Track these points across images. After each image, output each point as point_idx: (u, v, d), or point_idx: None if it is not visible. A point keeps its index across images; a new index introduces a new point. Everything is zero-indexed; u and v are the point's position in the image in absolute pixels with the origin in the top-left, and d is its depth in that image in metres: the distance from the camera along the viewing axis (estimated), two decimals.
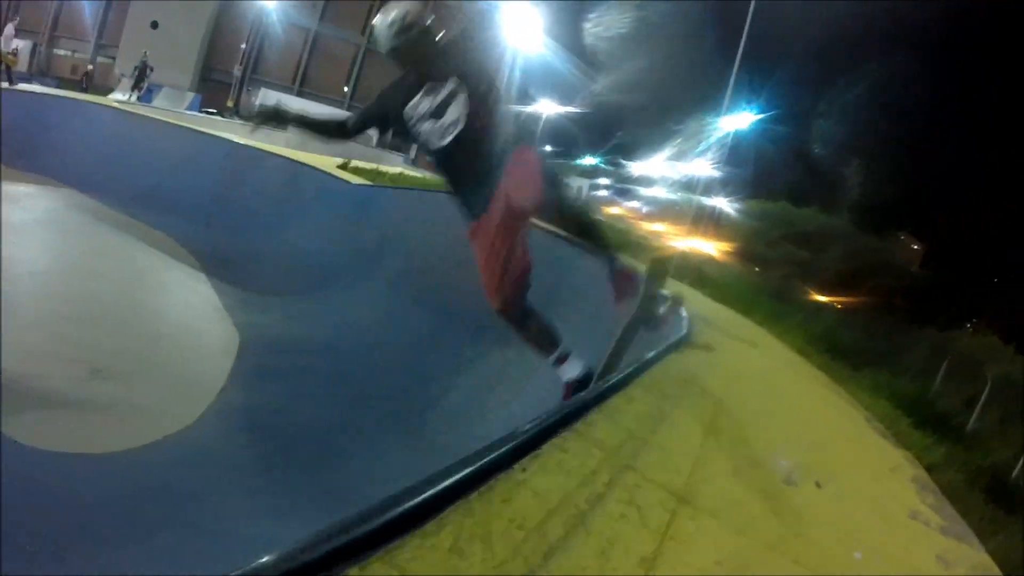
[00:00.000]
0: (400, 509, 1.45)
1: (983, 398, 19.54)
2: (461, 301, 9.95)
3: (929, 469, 4.63)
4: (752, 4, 17.65)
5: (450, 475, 1.67)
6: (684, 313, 6.75)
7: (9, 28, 22.63)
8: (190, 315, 9.61)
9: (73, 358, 7.24)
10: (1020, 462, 16.38)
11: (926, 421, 8.15)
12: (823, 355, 9.43)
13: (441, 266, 10.97)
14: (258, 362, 8.25)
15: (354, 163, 17.40)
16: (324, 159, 16.58)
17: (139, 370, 7.48)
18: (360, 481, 6.00)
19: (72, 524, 4.76)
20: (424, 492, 1.54)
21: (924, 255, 40.83)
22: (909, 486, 3.83)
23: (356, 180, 14.74)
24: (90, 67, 27.34)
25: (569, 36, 36.27)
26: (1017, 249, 37.32)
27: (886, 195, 34.75)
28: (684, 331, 6.15)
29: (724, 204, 32.65)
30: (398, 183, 15.92)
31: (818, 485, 2.96)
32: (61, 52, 41.41)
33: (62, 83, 30.05)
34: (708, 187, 30.73)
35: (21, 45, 37.19)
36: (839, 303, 29.09)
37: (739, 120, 30.41)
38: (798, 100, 30.80)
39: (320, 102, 39.08)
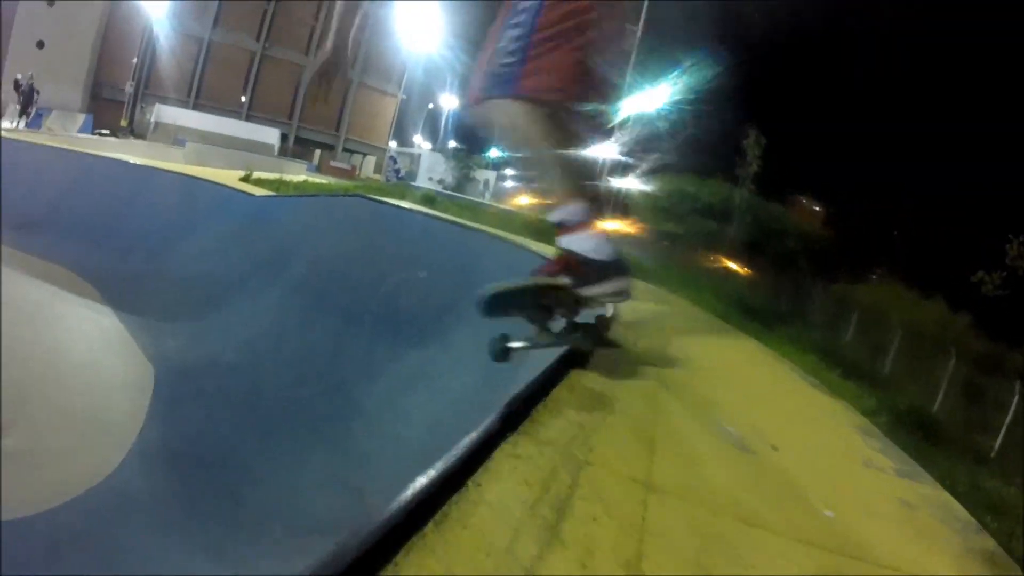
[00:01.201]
0: (350, 559, 1.32)
1: (895, 343, 20.61)
2: (372, 302, 10.18)
3: (866, 415, 4.71)
4: None
5: (398, 508, 1.53)
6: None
7: None
8: (97, 350, 9.24)
9: None
10: (937, 399, 17.45)
11: (851, 371, 8.62)
12: (740, 315, 9.80)
13: (351, 269, 11.09)
14: (176, 393, 7.97)
15: (256, 175, 17.26)
16: (226, 173, 16.48)
17: (47, 419, 7.08)
18: (295, 508, 5.92)
19: None
20: (374, 536, 1.40)
21: (824, 216, 42.40)
22: (855, 434, 3.84)
23: (259, 192, 14.59)
24: (38, 90, 26.18)
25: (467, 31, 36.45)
26: (912, 199, 39.10)
27: (784, 162, 35.95)
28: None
29: (631, 184, 33.24)
30: (303, 191, 15.84)
31: (774, 448, 2.91)
32: None
33: None
34: (615, 169, 31.25)
35: None
36: (748, 268, 30.09)
37: (640, 102, 31.12)
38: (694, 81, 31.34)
39: (217, 114, 38.44)
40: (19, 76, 26.53)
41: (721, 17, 33.88)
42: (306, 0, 44.24)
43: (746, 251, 31.14)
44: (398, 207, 12.61)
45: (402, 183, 22.60)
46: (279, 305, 10.88)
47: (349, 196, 13.74)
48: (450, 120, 41.34)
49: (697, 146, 33.09)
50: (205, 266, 12.33)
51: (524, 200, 32.99)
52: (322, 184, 18.35)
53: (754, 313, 10.95)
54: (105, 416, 7.38)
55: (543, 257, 8.88)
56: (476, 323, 7.59)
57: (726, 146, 34.19)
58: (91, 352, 9.19)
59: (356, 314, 10.07)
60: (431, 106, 41.81)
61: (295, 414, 7.76)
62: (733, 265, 30.20)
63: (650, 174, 33.06)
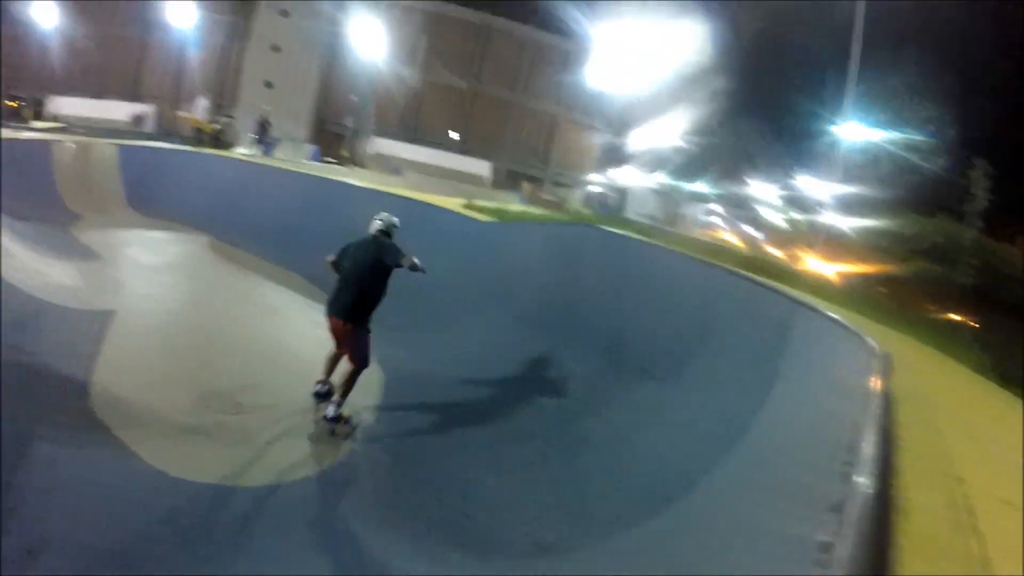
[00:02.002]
0: None
1: None
2: (602, 329, 9.78)
3: None
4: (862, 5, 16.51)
5: None
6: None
7: (201, 101, 25.01)
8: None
9: (216, 394, 7.57)
10: None
11: None
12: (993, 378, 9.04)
13: (580, 294, 10.76)
14: (402, 399, 8.33)
15: (478, 202, 17.36)
16: (447, 200, 16.67)
17: (282, 407, 7.62)
18: (507, 525, 6.03)
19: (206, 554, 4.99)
20: None
21: None
22: None
23: (484, 218, 14.66)
24: (216, 126, 28.57)
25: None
26: None
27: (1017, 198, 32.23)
28: None
29: (845, 221, 31.04)
30: (523, 219, 15.75)
31: None
32: (183, 113, 43.50)
33: (188, 141, 31.69)
34: (827, 205, 29.36)
35: (150, 111, 39.76)
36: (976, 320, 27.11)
37: (855, 132, 29.23)
38: (915, 107, 28.82)
39: (430, 147, 39.98)
40: (266, 111, 28.97)
41: (944, 42, 31.57)
42: (511, 45, 45.58)
43: (974, 299, 28.19)
44: (625, 237, 12.14)
45: (613, 216, 22.12)
46: (507, 325, 10.69)
47: (575, 225, 13.43)
48: (658, 155, 40.49)
49: (918, 180, 30.49)
50: (434, 282, 12.39)
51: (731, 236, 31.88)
52: (539, 214, 18.14)
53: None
54: None
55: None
56: (709, 358, 6.96)
57: (949, 180, 31.35)
58: (322, 353, 9.36)
59: (586, 339, 9.71)
60: (633, 140, 41.14)
61: (515, 433, 7.83)
62: (959, 316, 27.44)
63: (865, 209, 30.74)
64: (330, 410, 7.27)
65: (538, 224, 14.60)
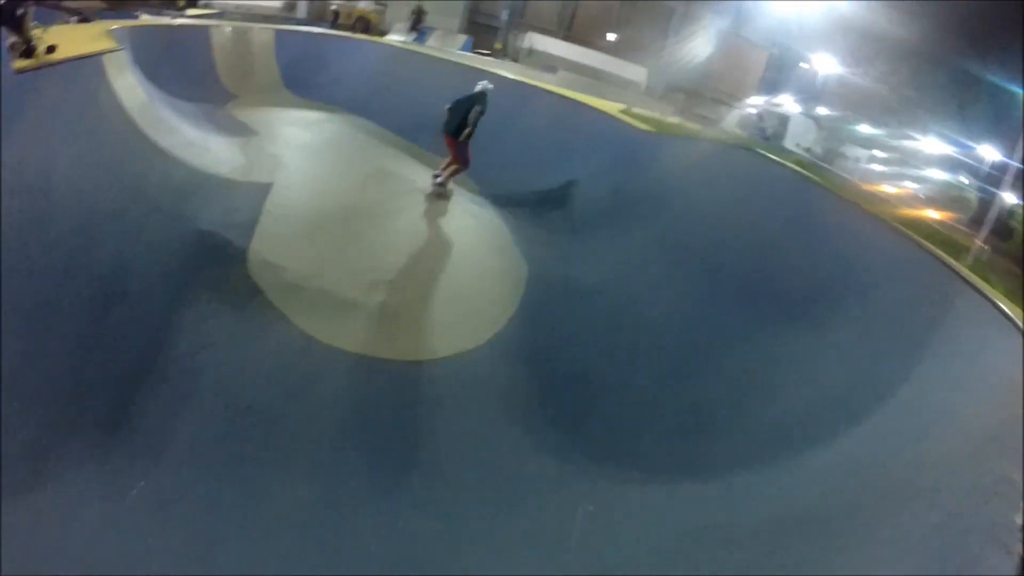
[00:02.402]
0: None
1: None
2: (747, 265, 9.16)
3: None
4: None
5: None
6: None
7: None
8: (479, 240, 10.03)
9: (368, 269, 8.05)
10: None
11: None
12: None
13: (729, 224, 10.13)
14: (542, 297, 8.44)
15: (635, 110, 16.58)
16: (603, 103, 16.01)
17: (433, 288, 8.17)
18: (622, 435, 6.16)
19: (356, 423, 5.57)
20: None
21: None
22: None
23: (641, 126, 14.02)
24: (373, 13, 28.49)
25: None
26: None
27: None
28: None
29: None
30: (678, 133, 14.90)
31: None
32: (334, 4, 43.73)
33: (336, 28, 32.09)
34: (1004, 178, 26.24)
35: None
36: None
37: None
38: None
39: (586, 47, 38.64)
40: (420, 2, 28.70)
41: None
42: None
43: None
44: (786, 167, 11.30)
45: (768, 144, 20.68)
46: (651, 243, 10.21)
47: (735, 148, 12.59)
48: (827, 86, 37.48)
49: None
50: (584, 189, 12.26)
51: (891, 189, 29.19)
52: (696, 129, 17.13)
53: None
54: (480, 297, 8.21)
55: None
56: (859, 315, 6.30)
57: None
58: (472, 239, 10.01)
59: (730, 271, 9.10)
60: (805, 65, 38.22)
61: (644, 351, 7.63)
62: None
63: None
64: (440, 176, 11.40)
65: (697, 141, 13.76)
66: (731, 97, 40.49)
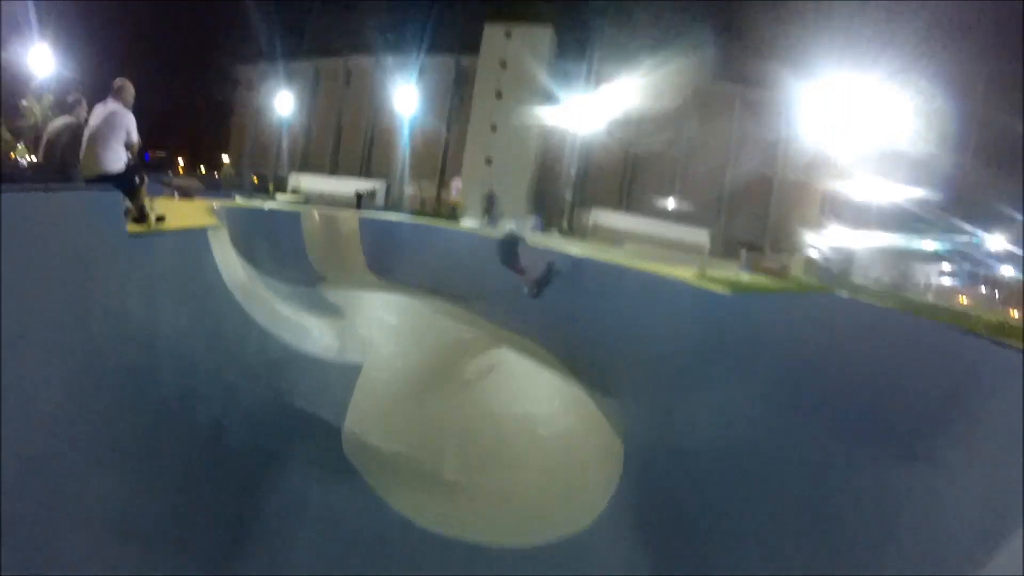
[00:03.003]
0: None
1: None
2: (852, 407, 8.84)
3: None
4: None
5: None
6: None
7: (456, 181, 27.22)
8: (571, 418, 9.66)
9: (461, 450, 7.85)
10: None
11: None
12: None
13: (826, 369, 9.90)
14: (643, 470, 8.06)
15: (709, 272, 16.76)
16: (676, 270, 16.22)
17: (528, 468, 7.76)
18: None
19: None
20: None
21: None
22: None
23: (717, 288, 14.00)
24: (456, 196, 30.05)
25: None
26: None
27: None
28: None
29: None
30: (753, 290, 14.91)
31: None
32: (410, 190, 46.46)
33: (413, 214, 33.97)
34: None
35: (379, 186, 43.07)
36: None
37: None
38: None
39: (647, 216, 39.95)
40: (491, 188, 30.35)
41: None
42: (722, 104, 45.01)
43: None
44: (872, 306, 11.14)
45: (841, 282, 20.53)
46: (749, 400, 9.94)
47: (811, 294, 12.53)
48: (883, 210, 37.37)
49: None
50: (670, 355, 11.92)
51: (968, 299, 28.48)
52: (770, 283, 17.18)
53: None
54: (577, 476, 7.77)
55: None
56: (975, 446, 5.95)
57: None
58: (562, 418, 9.61)
59: (835, 418, 8.79)
60: (858, 192, 38.41)
61: (763, 517, 6.96)
62: None
63: None
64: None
65: (774, 295, 13.74)
66: (792, 243, 40.69)
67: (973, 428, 7.23)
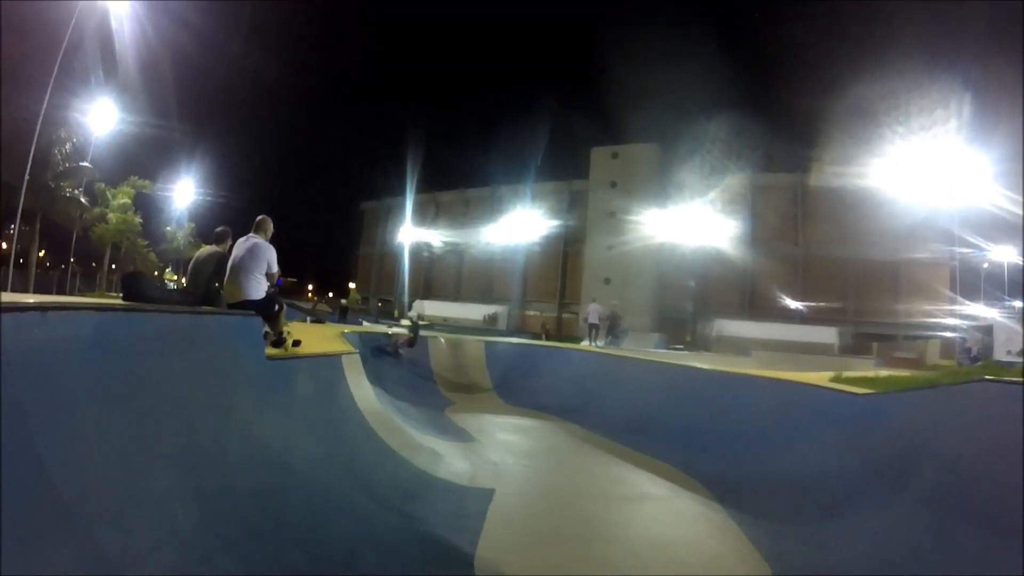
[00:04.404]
0: None
1: None
2: (1009, 506, 8.01)
3: None
4: None
5: None
6: None
7: (593, 306, 28.30)
8: (713, 544, 8.96)
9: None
10: None
11: None
12: None
13: (978, 467, 9.08)
14: None
15: (846, 375, 16.04)
16: (810, 375, 15.61)
17: None
18: None
19: None
20: None
21: None
22: None
23: (857, 390, 13.29)
24: (592, 320, 30.07)
25: None
26: None
27: None
28: None
29: None
30: (895, 386, 14.02)
31: None
32: (531, 312, 47.12)
33: (534, 336, 34.41)
34: None
35: (502, 311, 43.96)
36: None
37: None
38: None
39: (772, 321, 39.27)
40: (615, 305, 30.57)
41: None
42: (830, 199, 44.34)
43: None
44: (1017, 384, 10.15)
45: (985, 364, 18.97)
46: (914, 510, 9.23)
47: (960, 384, 11.59)
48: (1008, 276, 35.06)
49: None
50: (819, 469, 11.28)
51: None
52: (911, 378, 16.16)
53: None
54: None
55: None
56: None
57: None
58: (706, 543, 8.90)
59: (1002, 522, 7.99)
60: (986, 263, 36.24)
61: None
62: None
63: None
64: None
65: (918, 391, 12.81)
66: (924, 327, 38.50)
67: None
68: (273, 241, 9.21)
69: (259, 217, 9.11)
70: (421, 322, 13.77)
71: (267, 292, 8.88)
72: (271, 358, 8.27)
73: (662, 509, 10.35)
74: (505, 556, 7.38)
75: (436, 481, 9.46)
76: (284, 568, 5.57)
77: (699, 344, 37.32)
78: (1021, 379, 10.56)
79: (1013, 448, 9.11)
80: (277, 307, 8.97)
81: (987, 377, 11.17)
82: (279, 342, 9.02)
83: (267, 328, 8.87)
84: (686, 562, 8.22)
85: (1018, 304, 34.53)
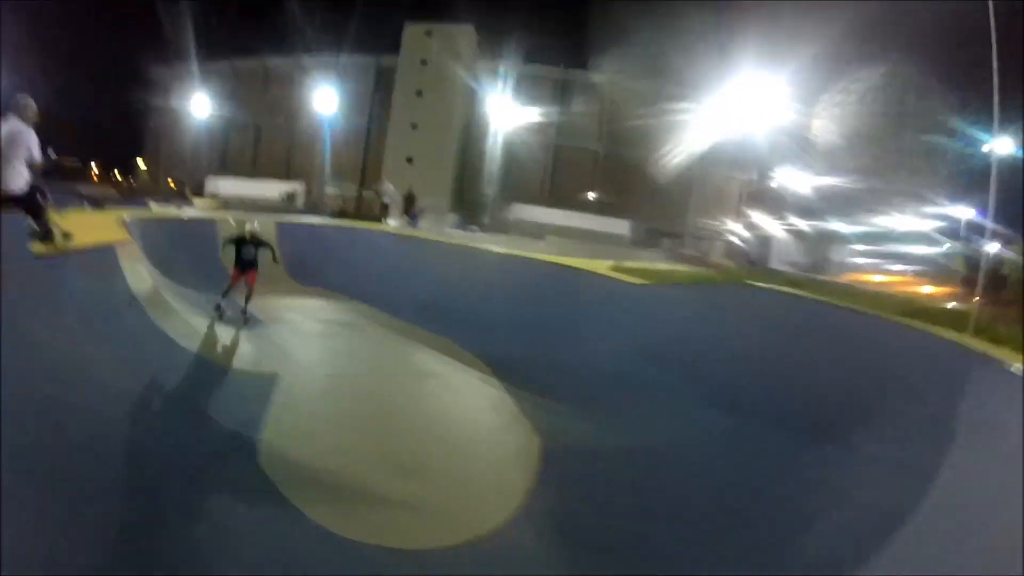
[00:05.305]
0: None
1: None
2: (767, 401, 9.17)
3: None
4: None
5: None
6: None
7: (387, 186, 29.02)
8: (489, 418, 9.63)
9: (377, 456, 7.62)
10: None
11: None
12: None
13: (740, 363, 10.21)
14: (561, 468, 7.88)
15: (626, 264, 17.10)
16: (592, 262, 16.50)
17: (445, 470, 7.60)
18: None
19: None
20: None
21: None
22: None
23: (635, 280, 14.43)
24: (387, 199, 29.42)
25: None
26: None
27: None
28: None
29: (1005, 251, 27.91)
30: (670, 280, 15.33)
31: None
32: (331, 190, 45.97)
33: (336, 214, 33.80)
34: (980, 233, 26.69)
35: (300, 188, 42.58)
36: None
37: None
38: None
39: (568, 209, 40.54)
40: (411, 188, 30.25)
41: None
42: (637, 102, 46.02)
43: None
44: (778, 293, 11.47)
45: (758, 268, 21.13)
46: (667, 396, 10.17)
47: (725, 285, 12.80)
48: (792, 196, 38.63)
49: None
50: (590, 350, 12.22)
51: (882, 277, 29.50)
52: (687, 272, 17.57)
53: None
54: (494, 476, 7.65)
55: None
56: (886, 417, 6.17)
57: None
58: (482, 417, 9.64)
59: (751, 411, 9.02)
60: (774, 182, 39.59)
61: (681, 511, 7.12)
62: None
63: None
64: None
65: (687, 286, 13.94)
66: (713, 231, 41.69)
67: (886, 408, 7.63)
68: (47, 120, 8.41)
69: (18, 99, 8.04)
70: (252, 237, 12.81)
71: (30, 183, 8.04)
72: (38, 256, 7.81)
73: (444, 385, 10.88)
74: (290, 442, 7.43)
75: (218, 368, 9.40)
76: (66, 475, 5.47)
77: (497, 227, 38.06)
78: (778, 287, 11.93)
79: (754, 346, 10.32)
80: (41, 199, 8.20)
81: (747, 282, 12.49)
82: (46, 236, 8.31)
83: (32, 222, 8.20)
84: (462, 435, 8.91)
85: (800, 221, 37.69)
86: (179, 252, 14.82)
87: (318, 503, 6.23)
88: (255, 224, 13.12)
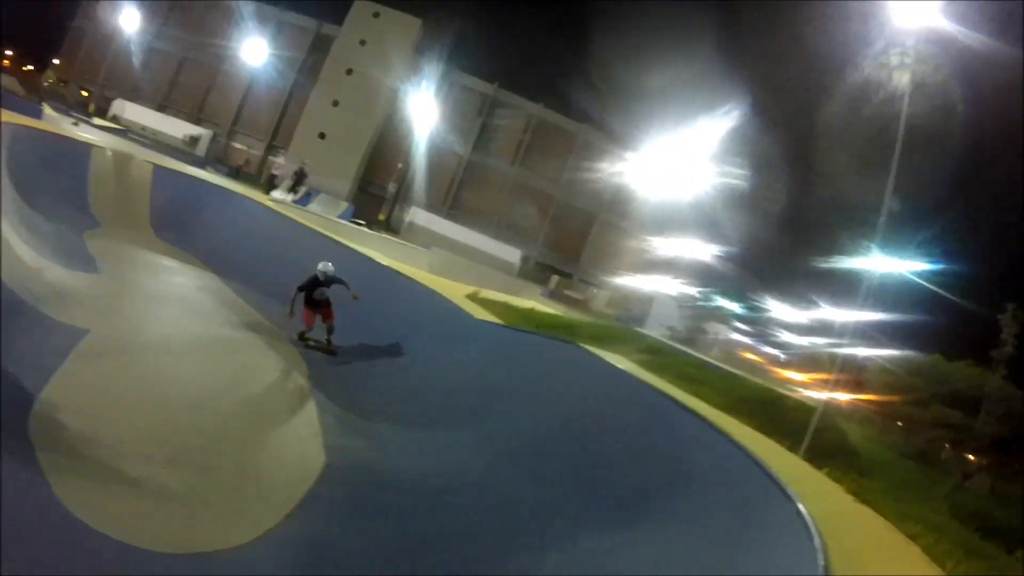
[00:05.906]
0: None
1: None
2: (565, 463, 9.16)
3: None
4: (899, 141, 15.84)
5: None
6: None
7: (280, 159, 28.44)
8: (287, 427, 9.12)
9: (157, 444, 7.05)
10: None
11: None
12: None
13: (546, 423, 10.20)
14: (335, 492, 7.55)
15: (484, 294, 17.38)
16: (458, 287, 16.69)
17: (219, 472, 7.14)
18: None
19: None
20: None
21: None
22: None
23: (480, 314, 14.54)
24: (276, 171, 28.84)
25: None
26: None
27: None
28: None
29: (870, 354, 30.04)
30: (523, 321, 15.30)
31: None
32: (238, 145, 44.91)
33: (233, 172, 33.38)
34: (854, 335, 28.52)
35: (206, 134, 41.31)
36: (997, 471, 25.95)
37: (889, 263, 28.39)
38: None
39: (469, 226, 40.85)
40: (305, 163, 29.50)
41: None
42: (561, 140, 47.07)
43: (996, 450, 26.93)
44: (611, 367, 11.63)
45: (630, 329, 21.80)
46: (475, 437, 10.10)
47: (564, 342, 12.94)
48: (691, 264, 40.31)
49: (946, 320, 29.58)
50: (409, 374, 12.39)
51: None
52: (547, 315, 17.62)
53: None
54: (263, 487, 7.19)
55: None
56: (690, 507, 6.51)
57: (977, 323, 30.22)
58: (279, 424, 9.12)
59: (552, 471, 8.92)
60: (673, 246, 41.18)
61: (440, 553, 6.95)
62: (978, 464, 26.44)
63: (892, 345, 29.90)
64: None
65: (524, 333, 13.98)
66: (602, 278, 42.88)
67: (679, 500, 7.85)
68: None
69: None
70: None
71: None
72: None
73: (255, 378, 10.50)
74: (71, 400, 6.96)
75: (28, 309, 8.69)
76: None
77: (391, 225, 37.99)
78: (607, 353, 12.22)
79: (576, 410, 10.50)
80: None
81: (577, 344, 12.59)
82: None
83: None
84: (249, 435, 8.44)
85: (685, 288, 39.59)
86: (45, 172, 14.24)
87: (72, 480, 5.62)
88: (329, 265, 13.21)
